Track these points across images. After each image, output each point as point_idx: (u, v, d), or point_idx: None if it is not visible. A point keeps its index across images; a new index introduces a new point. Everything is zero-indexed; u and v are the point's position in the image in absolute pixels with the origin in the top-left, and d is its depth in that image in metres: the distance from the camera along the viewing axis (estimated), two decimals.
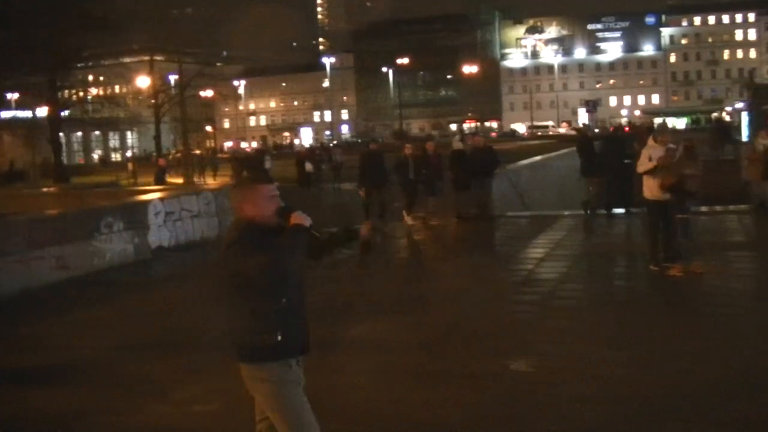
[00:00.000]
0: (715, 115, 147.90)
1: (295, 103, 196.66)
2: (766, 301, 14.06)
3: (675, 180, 15.47)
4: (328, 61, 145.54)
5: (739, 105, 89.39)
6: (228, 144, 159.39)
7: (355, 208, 27.41)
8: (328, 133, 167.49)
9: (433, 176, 25.68)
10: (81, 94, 69.78)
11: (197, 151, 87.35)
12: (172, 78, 73.81)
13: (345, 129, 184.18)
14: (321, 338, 12.58)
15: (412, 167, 25.44)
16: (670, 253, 16.02)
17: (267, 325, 5.93)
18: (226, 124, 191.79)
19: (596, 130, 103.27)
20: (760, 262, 17.77)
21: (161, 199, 23.26)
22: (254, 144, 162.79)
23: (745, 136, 48.97)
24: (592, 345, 11.51)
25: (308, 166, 43.65)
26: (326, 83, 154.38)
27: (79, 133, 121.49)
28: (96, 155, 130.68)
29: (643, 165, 15.93)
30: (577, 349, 11.31)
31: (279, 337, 5.92)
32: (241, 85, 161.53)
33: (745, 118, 52.06)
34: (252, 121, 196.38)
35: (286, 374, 6.03)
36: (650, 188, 15.77)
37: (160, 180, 33.69)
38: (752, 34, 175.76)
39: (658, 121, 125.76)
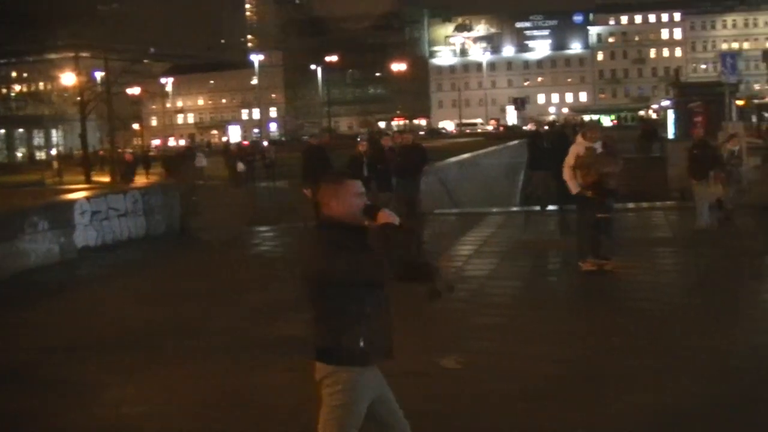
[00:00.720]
0: (641, 113, 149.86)
1: (224, 100, 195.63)
2: (692, 295, 14.26)
3: (595, 178, 15.64)
4: (256, 58, 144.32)
5: (665, 103, 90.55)
6: (155, 142, 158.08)
7: (293, 208, 27.30)
8: (256, 130, 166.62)
9: (389, 173, 24.76)
10: (4, 90, 68.87)
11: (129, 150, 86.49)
12: (98, 75, 73.00)
13: (273, 127, 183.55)
14: (253, 337, 12.60)
15: (367, 164, 24.66)
16: (597, 249, 16.18)
17: (351, 329, 5.79)
18: (154, 122, 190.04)
19: (525, 127, 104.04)
20: (686, 257, 18.02)
21: (87, 198, 22.99)
22: (182, 142, 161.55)
23: (671, 133, 49.58)
24: (521, 342, 11.60)
25: (240, 166, 42.29)
26: (255, 81, 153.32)
27: (2, 131, 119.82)
28: (20, 153, 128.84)
29: (567, 163, 16.13)
30: (506, 346, 11.39)
31: (362, 343, 5.80)
32: (168, 82, 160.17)
33: (671, 115, 52.73)
34: (180, 119, 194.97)
35: (359, 381, 5.88)
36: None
37: (127, 176, 32.77)
38: (678, 34, 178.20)
39: (587, 118, 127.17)
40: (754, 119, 69.13)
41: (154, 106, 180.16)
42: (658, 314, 12.79)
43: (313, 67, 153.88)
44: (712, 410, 8.71)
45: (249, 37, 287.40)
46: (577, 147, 16.21)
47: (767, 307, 13.50)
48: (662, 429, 8.42)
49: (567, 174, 16.26)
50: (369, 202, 5.92)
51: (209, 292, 16.19)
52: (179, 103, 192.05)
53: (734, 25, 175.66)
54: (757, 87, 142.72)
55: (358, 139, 35.10)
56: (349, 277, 5.67)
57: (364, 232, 5.78)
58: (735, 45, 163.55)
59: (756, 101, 73.97)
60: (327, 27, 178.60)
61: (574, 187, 16.18)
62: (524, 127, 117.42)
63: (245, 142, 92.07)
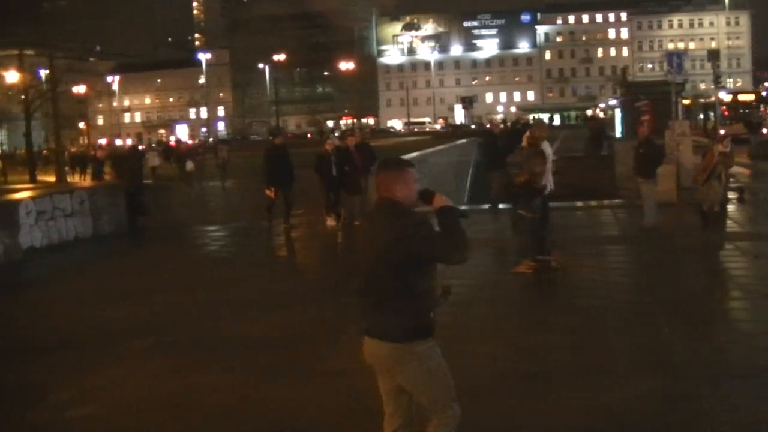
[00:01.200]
0: (589, 112, 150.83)
1: (171, 99, 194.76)
2: (641, 293, 14.35)
3: (525, 178, 15.87)
4: (203, 57, 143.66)
5: (613, 102, 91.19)
6: (102, 141, 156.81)
7: (250, 208, 27.14)
8: (204, 129, 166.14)
9: (356, 173, 23.99)
10: None
11: (73, 150, 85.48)
12: (43, 73, 72.23)
13: (221, 126, 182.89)
14: (202, 337, 12.52)
15: (335, 163, 24.23)
16: (525, 248, 16.39)
17: (425, 305, 6.17)
18: (100, 121, 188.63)
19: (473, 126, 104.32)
20: (635, 256, 18.14)
21: (32, 198, 22.76)
22: (129, 141, 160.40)
23: (618, 132, 49.86)
24: (466, 339, 11.58)
25: (189, 165, 40.84)
26: (202, 80, 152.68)
27: None
28: None
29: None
30: (451, 344, 11.36)
31: (432, 315, 6.21)
32: (115, 80, 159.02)
33: (618, 114, 53.05)
34: (126, 117, 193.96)
35: (434, 350, 6.24)
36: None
37: (98, 175, 31.92)
38: (624, 33, 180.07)
39: (542, 117, 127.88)
40: (701, 118, 69.78)
41: (100, 105, 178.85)
42: (607, 312, 12.85)
43: (260, 65, 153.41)
44: (658, 407, 8.77)
45: (196, 35, 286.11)
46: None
47: (713, 304, 13.60)
48: (607, 426, 8.47)
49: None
50: (423, 188, 6.28)
51: (158, 292, 16.09)
52: (126, 102, 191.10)
53: (680, 25, 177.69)
54: (702, 86, 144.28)
55: (336, 134, 34.66)
56: (437, 256, 6.14)
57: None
58: (681, 44, 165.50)
59: (702, 100, 74.63)
60: (275, 25, 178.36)
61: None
62: (472, 126, 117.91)
63: (171, 142, 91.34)
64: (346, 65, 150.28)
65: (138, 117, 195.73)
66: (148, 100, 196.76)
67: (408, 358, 6.13)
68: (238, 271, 18.60)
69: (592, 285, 15.06)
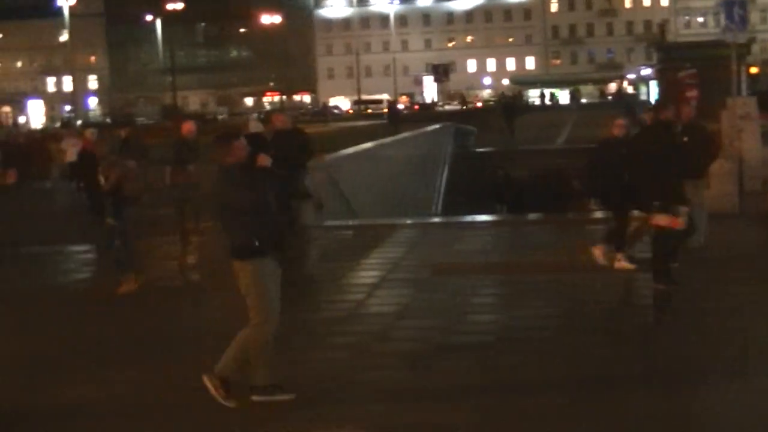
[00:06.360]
0: (612, 85, 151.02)
1: (19, 64, 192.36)
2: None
3: (115, 181, 17.11)
4: (66, 3, 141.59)
5: (645, 71, 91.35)
6: None
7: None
8: (68, 108, 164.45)
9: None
10: None
11: None
12: None
13: (93, 103, 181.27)
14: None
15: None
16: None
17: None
18: None
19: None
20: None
21: None
22: None
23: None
24: (432, 406, 11.42)
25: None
26: (64, 36, 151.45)
27: None
28: None
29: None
30: (413, 414, 11.20)
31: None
32: None
33: (653, 88, 53.14)
34: None
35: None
36: None
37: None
38: None
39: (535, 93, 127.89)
40: None
41: None
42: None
43: (148, 17, 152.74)
44: None
45: None
46: None
47: None
48: None
49: None
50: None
51: None
52: None
53: None
54: None
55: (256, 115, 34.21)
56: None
57: None
58: None
59: None
60: None
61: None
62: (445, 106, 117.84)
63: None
64: (270, 19, 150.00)
65: None
66: None
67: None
68: None
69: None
